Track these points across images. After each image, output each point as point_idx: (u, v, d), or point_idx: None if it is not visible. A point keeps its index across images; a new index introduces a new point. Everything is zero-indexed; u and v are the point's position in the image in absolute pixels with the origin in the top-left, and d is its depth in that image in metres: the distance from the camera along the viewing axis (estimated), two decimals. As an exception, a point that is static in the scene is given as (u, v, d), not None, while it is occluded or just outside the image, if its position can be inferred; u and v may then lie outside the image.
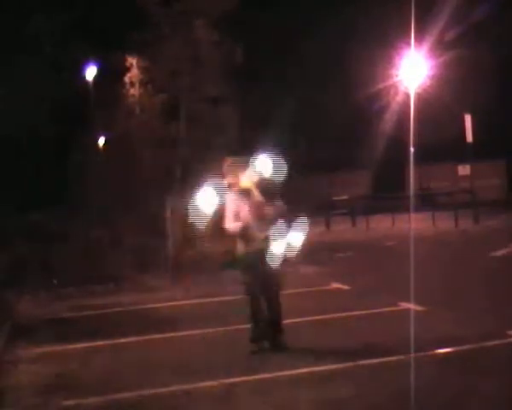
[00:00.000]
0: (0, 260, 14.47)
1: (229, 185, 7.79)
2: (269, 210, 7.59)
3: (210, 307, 11.03)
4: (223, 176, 7.82)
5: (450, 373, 6.54)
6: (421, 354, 6.96)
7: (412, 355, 6.76)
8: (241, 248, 7.69)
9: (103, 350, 8.40)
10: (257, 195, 7.64)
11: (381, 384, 6.33)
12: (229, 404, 6.19)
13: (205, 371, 7.05)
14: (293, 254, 7.74)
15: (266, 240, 7.56)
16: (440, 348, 7.29)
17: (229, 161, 7.87)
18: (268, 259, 7.55)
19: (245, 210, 7.59)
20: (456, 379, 6.33)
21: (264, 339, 7.69)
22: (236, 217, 7.60)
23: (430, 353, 7.14)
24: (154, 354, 8.07)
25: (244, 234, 7.59)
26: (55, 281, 14.21)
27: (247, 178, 7.72)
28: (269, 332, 7.65)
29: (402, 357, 6.94)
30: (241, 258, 7.74)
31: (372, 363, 6.96)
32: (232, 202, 7.67)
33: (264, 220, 7.58)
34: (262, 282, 7.60)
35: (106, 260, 15.65)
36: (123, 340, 8.78)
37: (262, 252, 7.54)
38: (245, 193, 7.67)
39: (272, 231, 7.57)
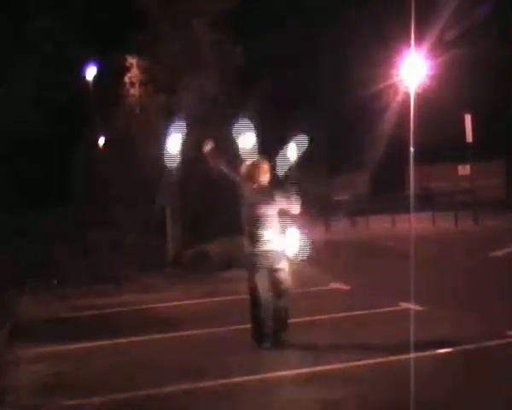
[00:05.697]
0: (0, 260, 14.48)
1: (248, 186, 7.80)
2: (285, 208, 7.69)
3: (210, 307, 11.03)
4: (242, 178, 7.85)
5: (451, 373, 6.54)
6: (422, 353, 6.97)
7: (412, 355, 6.77)
8: (247, 248, 7.71)
9: (103, 350, 8.40)
10: (275, 194, 7.70)
11: (380, 384, 6.33)
12: (229, 404, 6.19)
13: (205, 370, 7.05)
14: (299, 252, 7.80)
15: (273, 241, 7.60)
16: (440, 348, 7.29)
17: (248, 162, 7.88)
18: (275, 258, 7.59)
19: (263, 211, 7.61)
20: (456, 379, 6.33)
21: (265, 338, 7.70)
22: (252, 218, 7.63)
23: (430, 353, 7.14)
24: (154, 354, 8.07)
25: (251, 235, 7.62)
26: (55, 281, 14.21)
27: (265, 176, 7.76)
28: (272, 328, 7.64)
29: (402, 357, 6.94)
30: (247, 258, 7.77)
31: (372, 363, 6.96)
32: (250, 204, 7.69)
33: (277, 221, 7.65)
34: (270, 281, 7.63)
35: (106, 260, 15.66)
36: (123, 340, 8.77)
37: (269, 252, 7.58)
38: (264, 192, 7.70)
39: (280, 232, 7.65)
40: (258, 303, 7.65)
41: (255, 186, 7.75)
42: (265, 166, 7.82)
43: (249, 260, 7.73)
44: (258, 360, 7.39)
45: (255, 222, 7.62)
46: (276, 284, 7.66)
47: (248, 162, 7.89)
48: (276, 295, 7.66)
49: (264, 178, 7.78)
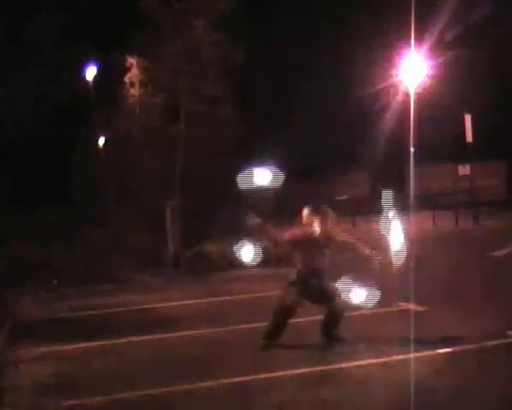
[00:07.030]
0: (0, 260, 14.47)
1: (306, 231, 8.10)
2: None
3: (210, 307, 11.03)
4: (302, 223, 8.19)
5: (451, 373, 6.54)
6: (422, 353, 6.97)
7: (412, 355, 6.78)
8: (293, 273, 8.02)
9: (103, 350, 8.40)
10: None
11: (381, 384, 6.33)
12: (229, 404, 6.19)
13: (205, 370, 7.06)
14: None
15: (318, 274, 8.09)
16: (440, 348, 7.29)
17: (308, 210, 8.21)
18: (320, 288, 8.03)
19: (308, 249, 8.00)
20: (456, 379, 6.33)
21: (275, 339, 7.91)
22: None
23: (430, 353, 7.14)
24: (154, 354, 8.08)
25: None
26: (54, 281, 14.21)
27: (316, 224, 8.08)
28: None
29: (402, 357, 6.95)
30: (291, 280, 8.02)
31: (372, 363, 6.96)
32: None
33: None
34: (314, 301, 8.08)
35: (106, 260, 15.64)
36: (123, 340, 8.78)
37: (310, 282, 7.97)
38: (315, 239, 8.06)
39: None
40: (288, 311, 7.91)
41: (311, 232, 8.06)
42: (320, 218, 8.12)
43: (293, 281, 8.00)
44: (259, 359, 7.40)
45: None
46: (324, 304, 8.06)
47: (308, 211, 8.21)
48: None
49: (316, 227, 8.07)
